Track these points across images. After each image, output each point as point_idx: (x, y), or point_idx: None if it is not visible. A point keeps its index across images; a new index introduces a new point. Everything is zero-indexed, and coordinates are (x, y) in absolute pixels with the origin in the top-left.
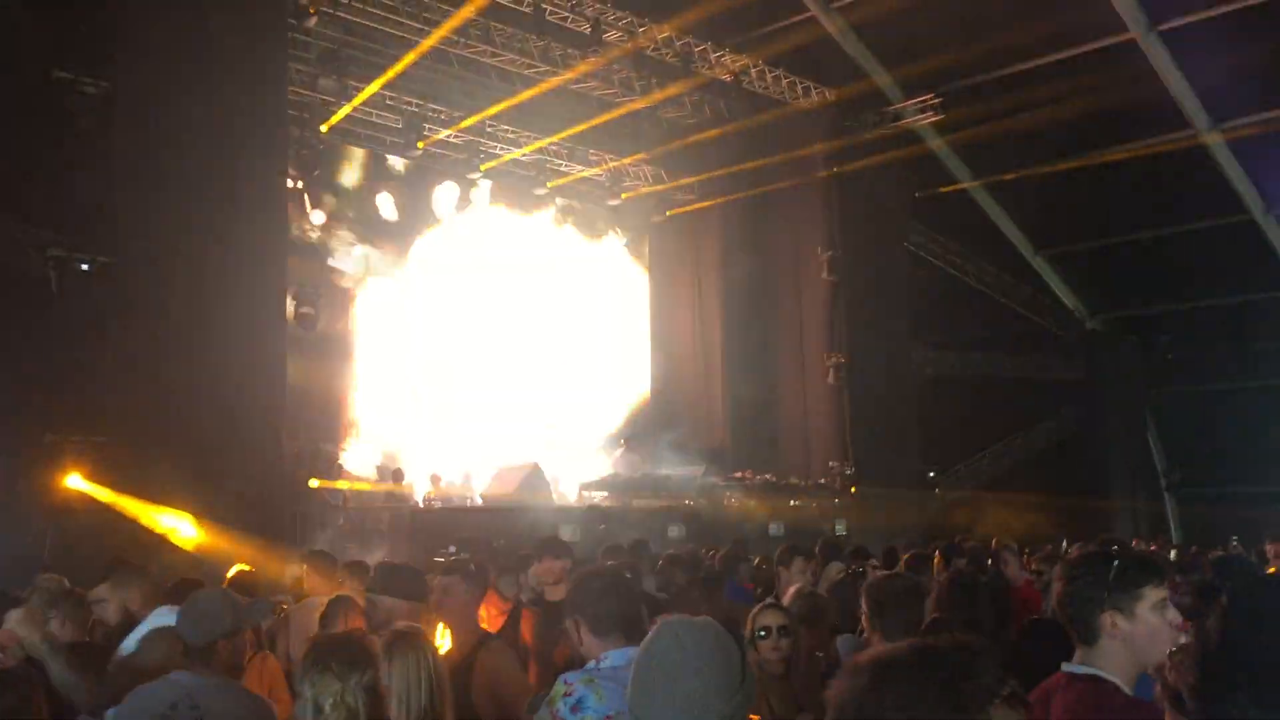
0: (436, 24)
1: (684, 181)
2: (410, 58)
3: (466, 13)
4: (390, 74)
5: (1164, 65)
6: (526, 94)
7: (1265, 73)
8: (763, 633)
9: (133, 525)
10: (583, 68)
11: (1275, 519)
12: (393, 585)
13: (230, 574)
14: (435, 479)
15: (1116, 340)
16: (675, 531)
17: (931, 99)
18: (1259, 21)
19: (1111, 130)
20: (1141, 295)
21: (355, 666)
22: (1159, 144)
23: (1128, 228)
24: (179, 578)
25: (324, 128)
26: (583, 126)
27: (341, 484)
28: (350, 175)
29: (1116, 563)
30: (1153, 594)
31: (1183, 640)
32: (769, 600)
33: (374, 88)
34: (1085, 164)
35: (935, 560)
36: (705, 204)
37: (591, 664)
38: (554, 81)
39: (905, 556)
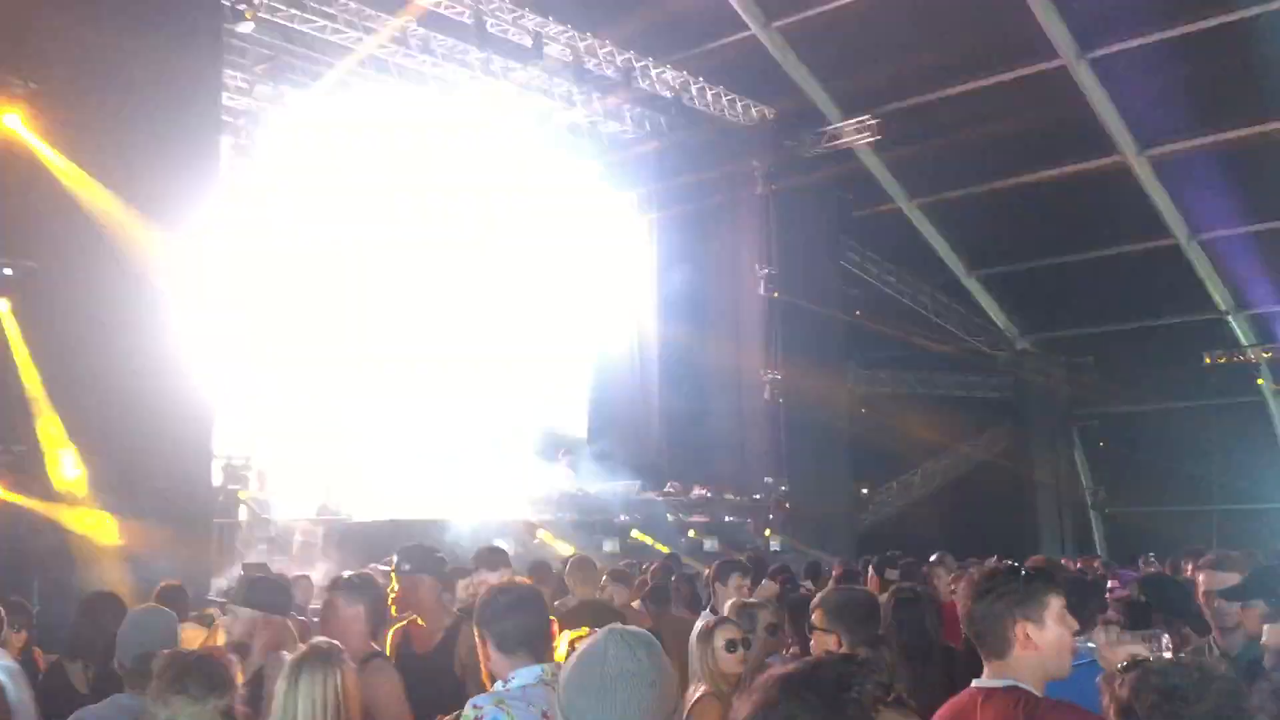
0: (376, 32)
1: (624, 187)
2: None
3: (407, 21)
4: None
5: (1093, 90)
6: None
7: (1191, 98)
8: (730, 646)
9: (57, 533)
10: (523, 79)
11: (1195, 536)
12: (254, 597)
13: (158, 588)
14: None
15: (1045, 361)
16: (609, 546)
17: (869, 119)
18: (1185, 49)
19: (1042, 153)
20: (1070, 317)
21: (213, 689)
22: (1087, 168)
23: (1057, 250)
24: (95, 592)
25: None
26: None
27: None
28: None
29: (1023, 574)
30: (1056, 602)
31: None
32: (724, 617)
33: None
34: (1017, 185)
35: (868, 574)
36: (643, 217)
37: (499, 685)
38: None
39: (836, 571)
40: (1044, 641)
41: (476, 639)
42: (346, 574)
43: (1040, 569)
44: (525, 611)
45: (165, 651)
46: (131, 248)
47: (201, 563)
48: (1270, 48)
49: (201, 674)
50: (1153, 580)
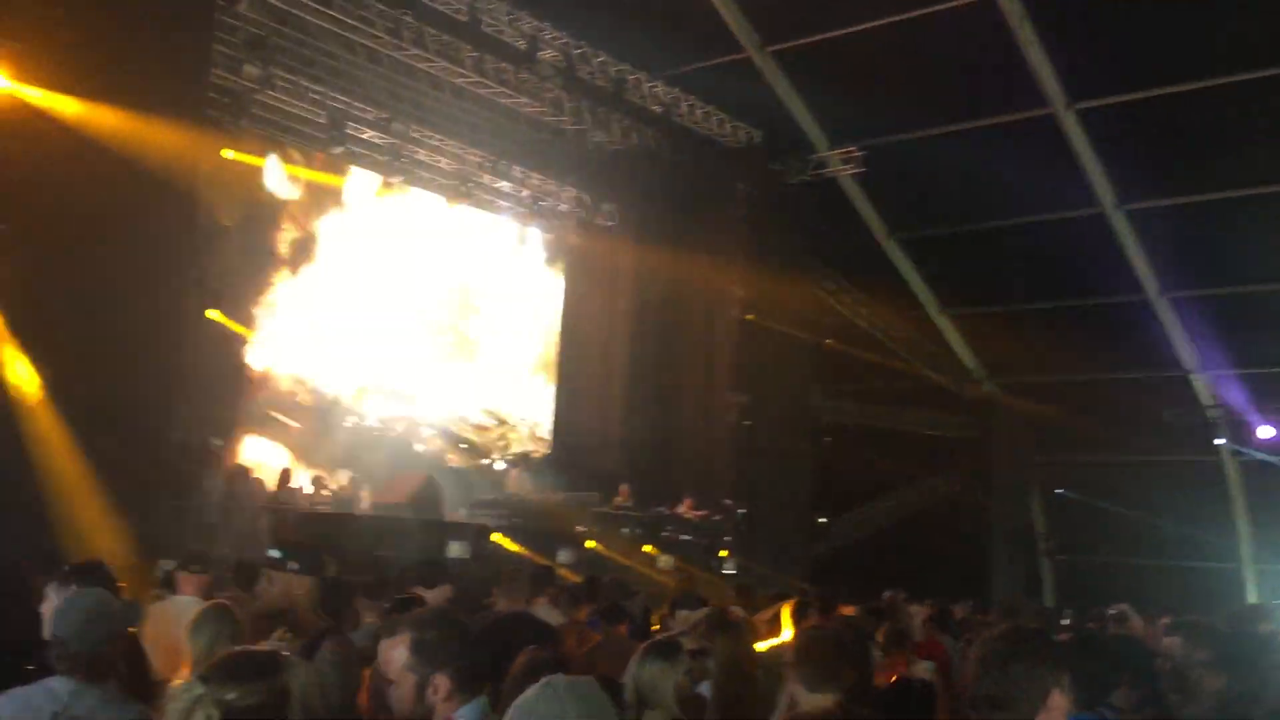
0: (371, 21)
1: (603, 196)
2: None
3: (402, 13)
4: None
5: (1078, 140)
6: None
7: (1172, 155)
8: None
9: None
10: (514, 82)
11: (1147, 589)
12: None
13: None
14: (318, 480)
15: (1009, 405)
16: (565, 557)
17: (855, 151)
18: (1172, 107)
19: (1022, 200)
20: (1037, 364)
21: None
22: (1066, 218)
23: (1029, 297)
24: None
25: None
26: (482, 121)
27: None
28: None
29: (1057, 641)
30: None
31: None
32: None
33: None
34: (994, 229)
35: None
36: (624, 225)
37: None
38: (486, 94)
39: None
40: (1061, 710)
41: (409, 678)
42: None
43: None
44: (487, 644)
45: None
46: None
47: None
48: (1249, 112)
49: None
50: (1113, 641)
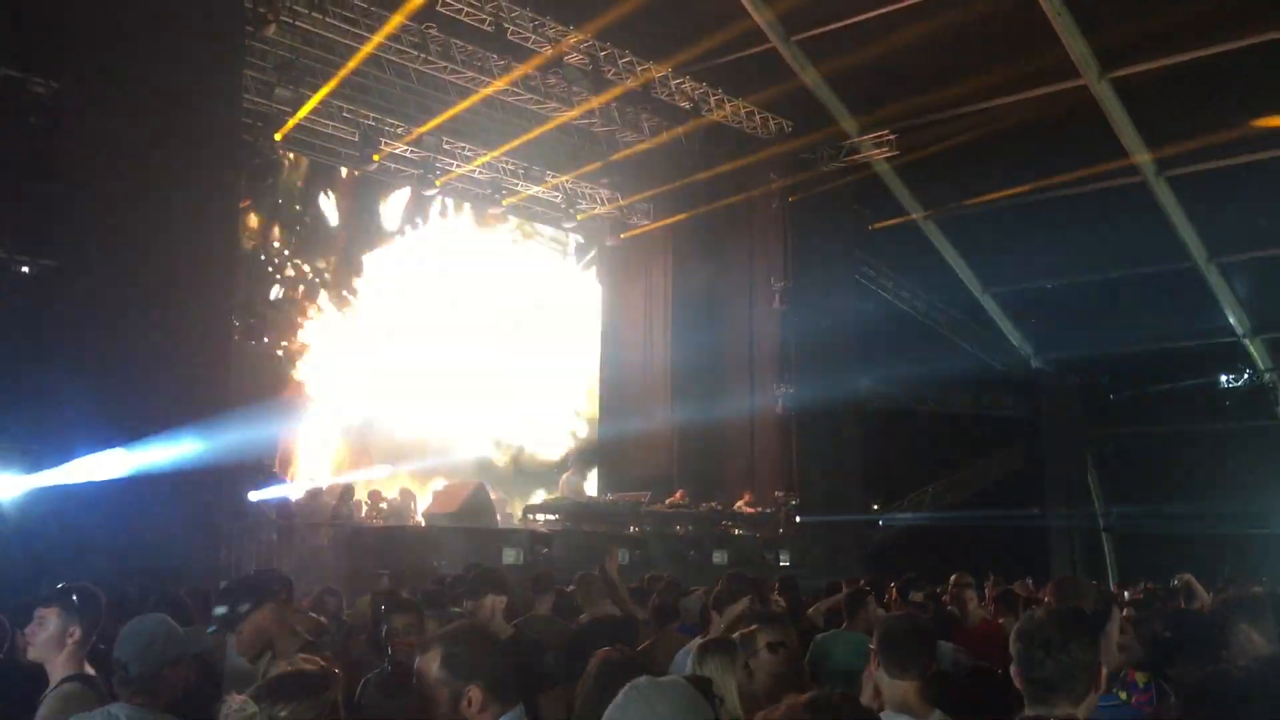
0: (397, 37)
1: (637, 199)
2: (354, 63)
3: (427, 26)
4: (341, 75)
5: (1114, 109)
6: (468, 101)
7: (1212, 116)
8: (773, 648)
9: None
10: (542, 88)
11: (1206, 561)
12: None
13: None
14: (376, 496)
15: (1060, 380)
16: (620, 558)
17: (886, 134)
18: (1208, 70)
19: (1060, 173)
20: (1086, 337)
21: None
22: (1106, 187)
23: (1074, 270)
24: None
25: (278, 136)
26: (523, 137)
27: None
28: (302, 186)
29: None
30: None
31: None
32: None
33: (328, 87)
34: (1033, 204)
35: (890, 595)
36: (660, 226)
37: None
38: (515, 102)
39: (850, 590)
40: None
41: (443, 690)
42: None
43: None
44: (522, 653)
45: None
46: (156, 251)
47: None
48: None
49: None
50: (1178, 616)
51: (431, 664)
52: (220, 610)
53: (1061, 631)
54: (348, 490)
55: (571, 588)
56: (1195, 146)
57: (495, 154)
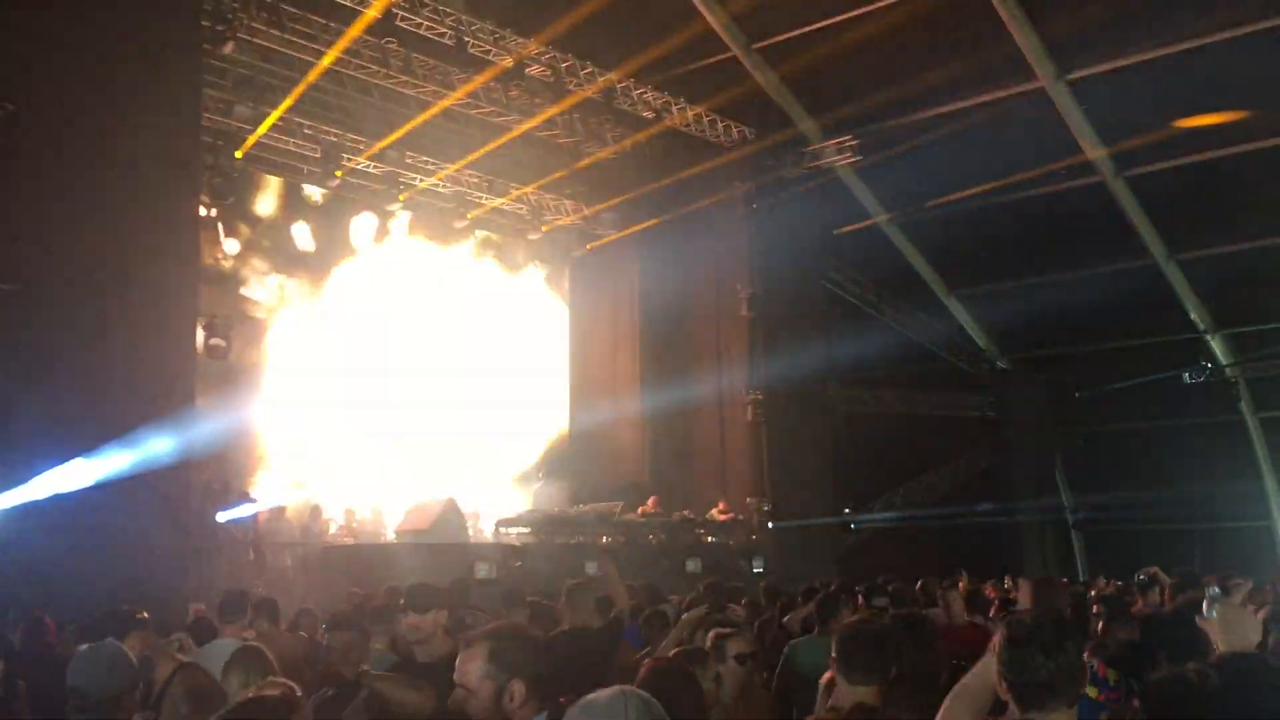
0: (357, 52)
1: (602, 208)
2: (312, 77)
3: (387, 41)
4: (297, 92)
5: (1071, 111)
6: (428, 113)
7: (1168, 117)
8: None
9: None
10: (505, 100)
11: (1176, 555)
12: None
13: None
14: (349, 514)
15: (1026, 380)
16: (593, 568)
17: (849, 140)
18: (1162, 70)
19: (1021, 173)
20: (1051, 336)
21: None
22: (1066, 188)
23: (1037, 270)
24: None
25: (238, 154)
26: (485, 148)
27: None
28: (266, 204)
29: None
30: None
31: None
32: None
33: (285, 104)
34: (996, 205)
35: (855, 601)
36: (625, 235)
37: None
38: (477, 115)
39: (819, 596)
40: None
41: (483, 684)
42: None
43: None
44: (562, 653)
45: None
46: (118, 271)
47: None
48: (1245, 72)
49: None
50: (1156, 620)
51: (475, 659)
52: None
53: (1057, 634)
54: (316, 509)
55: (562, 599)
56: (1152, 144)
57: (457, 167)
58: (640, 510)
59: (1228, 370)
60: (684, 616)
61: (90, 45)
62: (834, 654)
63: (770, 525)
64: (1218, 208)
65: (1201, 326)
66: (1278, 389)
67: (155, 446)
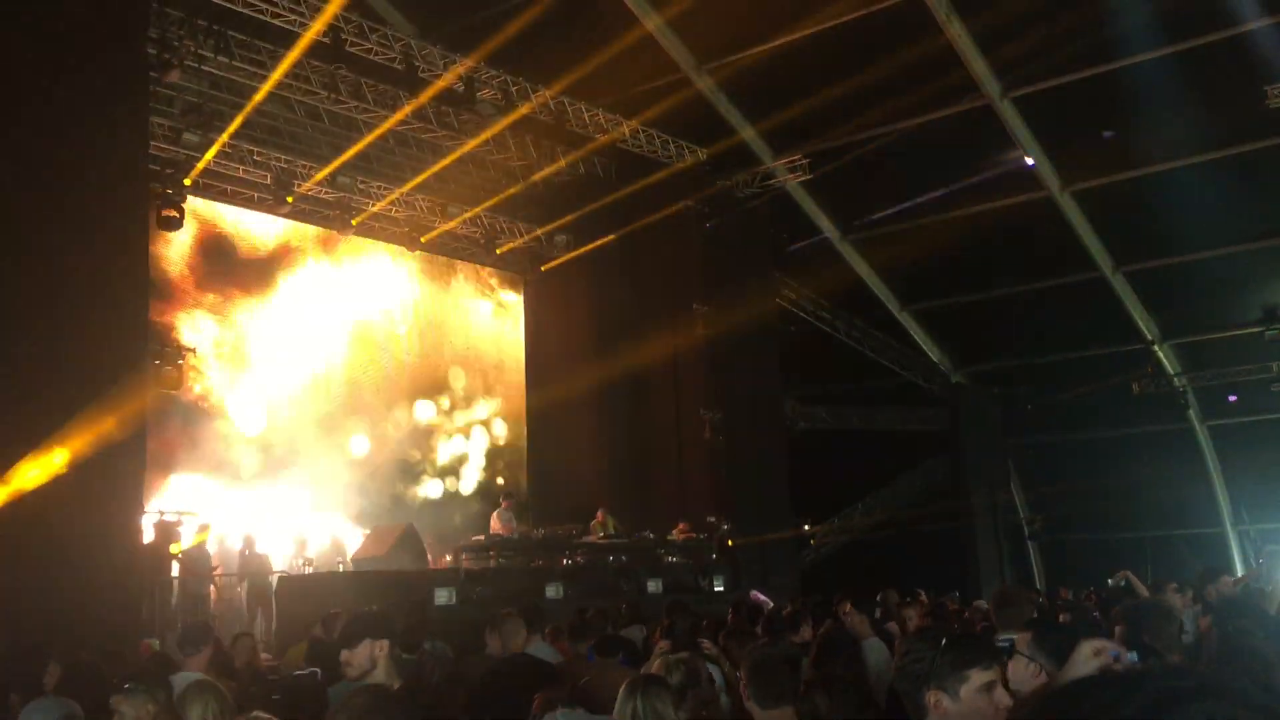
0: (306, 78)
1: (554, 228)
2: (258, 98)
3: (337, 68)
4: (244, 114)
5: (1018, 128)
6: (374, 134)
7: (1109, 134)
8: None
9: None
10: (456, 124)
11: (1129, 562)
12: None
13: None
14: (301, 544)
15: (980, 393)
16: (553, 591)
17: (800, 158)
18: (1100, 88)
19: (969, 189)
20: (1003, 350)
21: None
22: (1013, 203)
23: (988, 285)
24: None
25: (186, 181)
26: (435, 167)
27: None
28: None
29: (944, 642)
30: (978, 676)
31: None
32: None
33: (232, 128)
34: (945, 221)
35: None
36: (579, 256)
37: None
38: (429, 139)
39: (785, 611)
40: (956, 713)
41: None
42: None
43: (972, 639)
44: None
45: None
46: (65, 304)
47: (132, 624)
48: (1178, 84)
49: None
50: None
51: None
52: None
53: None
54: (249, 539)
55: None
56: (1095, 159)
57: (408, 187)
58: (591, 524)
59: (1175, 380)
60: (656, 656)
61: (33, 72)
62: (744, 678)
63: (730, 544)
64: (1160, 221)
65: (1149, 337)
66: (1224, 398)
67: (105, 475)
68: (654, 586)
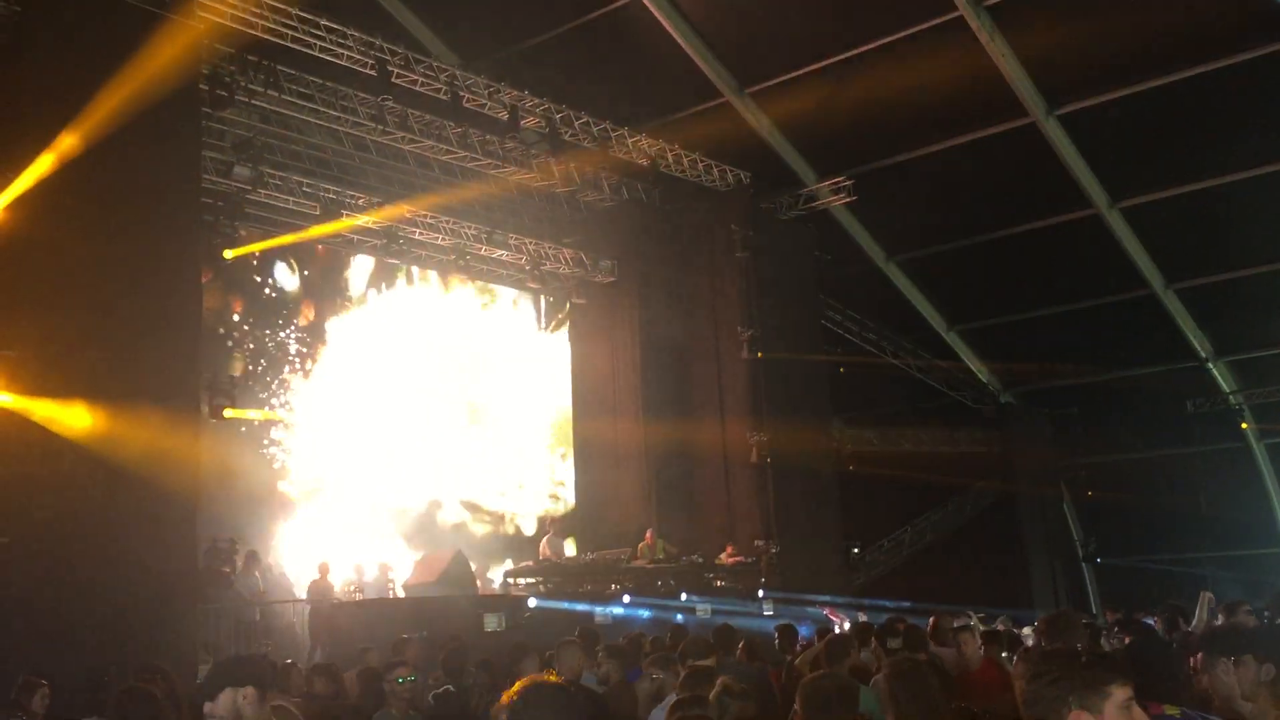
0: (354, 110)
1: (600, 257)
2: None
3: (383, 99)
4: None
5: (1064, 146)
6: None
7: (1159, 151)
8: None
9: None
10: (501, 153)
11: (1187, 584)
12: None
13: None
14: (358, 570)
15: (1030, 414)
16: (602, 617)
17: (843, 180)
18: (1150, 103)
19: (1016, 208)
20: (1052, 369)
21: None
22: (1061, 221)
23: (1036, 304)
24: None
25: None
26: (457, 189)
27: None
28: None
29: (1083, 660)
30: (1119, 693)
31: None
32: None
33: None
34: (992, 241)
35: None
36: (625, 281)
37: None
38: (475, 167)
39: (826, 640)
40: None
41: None
42: None
43: (1108, 657)
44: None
45: None
46: (121, 335)
47: (186, 651)
48: (1232, 100)
49: None
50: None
51: None
52: None
53: (1038, 666)
54: (322, 567)
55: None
56: (1146, 177)
57: (450, 218)
58: (640, 546)
59: (1231, 398)
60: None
61: (91, 110)
62: (799, 707)
63: (778, 568)
64: (1210, 237)
65: (1204, 354)
66: None
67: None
68: (703, 611)
